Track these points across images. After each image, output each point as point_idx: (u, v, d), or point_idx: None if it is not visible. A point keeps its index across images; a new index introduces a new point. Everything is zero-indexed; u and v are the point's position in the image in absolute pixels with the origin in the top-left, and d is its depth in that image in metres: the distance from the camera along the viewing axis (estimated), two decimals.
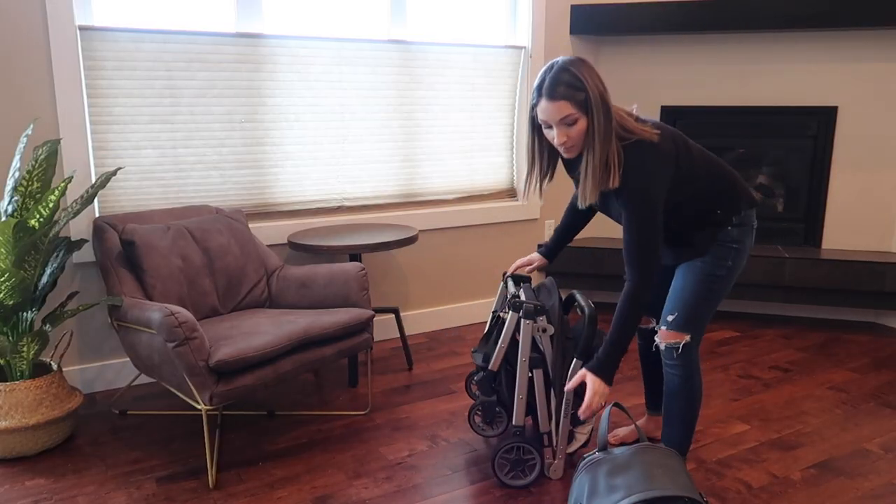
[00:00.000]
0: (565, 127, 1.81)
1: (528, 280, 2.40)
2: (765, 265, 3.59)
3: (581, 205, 1.91)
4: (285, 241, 3.06)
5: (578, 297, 2.20)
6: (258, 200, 3.10)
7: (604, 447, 1.79)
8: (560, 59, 1.83)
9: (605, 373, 1.92)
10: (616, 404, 1.89)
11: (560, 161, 2.04)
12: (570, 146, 1.85)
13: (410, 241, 2.90)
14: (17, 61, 2.52)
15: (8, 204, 2.29)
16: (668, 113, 3.86)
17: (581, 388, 2.02)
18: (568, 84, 1.78)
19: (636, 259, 1.86)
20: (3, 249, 2.14)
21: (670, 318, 2.02)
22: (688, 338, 2.01)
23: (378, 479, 2.19)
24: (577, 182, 1.99)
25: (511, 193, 3.81)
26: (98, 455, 2.34)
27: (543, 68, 1.84)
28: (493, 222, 3.71)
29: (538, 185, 2.01)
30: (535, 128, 1.93)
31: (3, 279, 2.16)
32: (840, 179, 3.71)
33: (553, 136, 1.85)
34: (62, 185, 2.20)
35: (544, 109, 1.81)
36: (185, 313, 2.08)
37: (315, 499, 2.08)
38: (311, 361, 2.34)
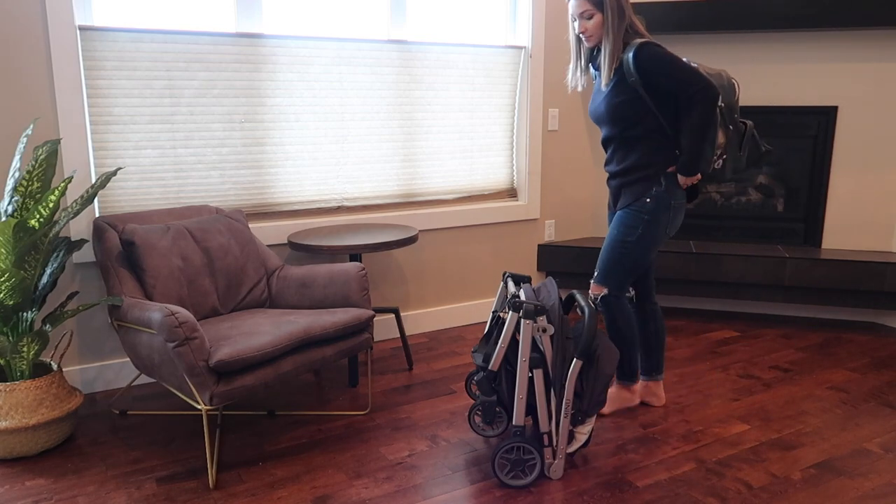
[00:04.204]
0: (584, 20, 2.33)
1: (528, 280, 2.41)
2: (765, 265, 3.59)
3: (603, 86, 2.37)
4: (285, 241, 3.06)
5: (578, 297, 2.20)
6: (258, 200, 3.10)
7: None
8: None
9: (687, 170, 2.35)
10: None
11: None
12: (588, 35, 2.35)
13: (410, 241, 2.90)
14: (17, 61, 2.52)
15: (8, 204, 2.29)
16: None
17: (581, 387, 2.03)
18: None
19: (694, 80, 2.25)
20: (3, 249, 2.14)
21: (595, 273, 2.49)
22: (605, 291, 2.46)
23: (378, 479, 2.19)
24: (597, 71, 2.44)
25: (511, 193, 3.81)
26: (98, 455, 2.34)
27: None
28: (493, 222, 3.71)
29: (580, 75, 2.48)
30: (573, 21, 2.38)
31: (3, 279, 2.16)
32: (840, 179, 3.71)
33: (576, 26, 2.37)
34: (62, 185, 2.20)
35: (571, 4, 2.35)
36: (185, 313, 2.08)
37: (315, 499, 2.08)
38: (312, 361, 2.34)
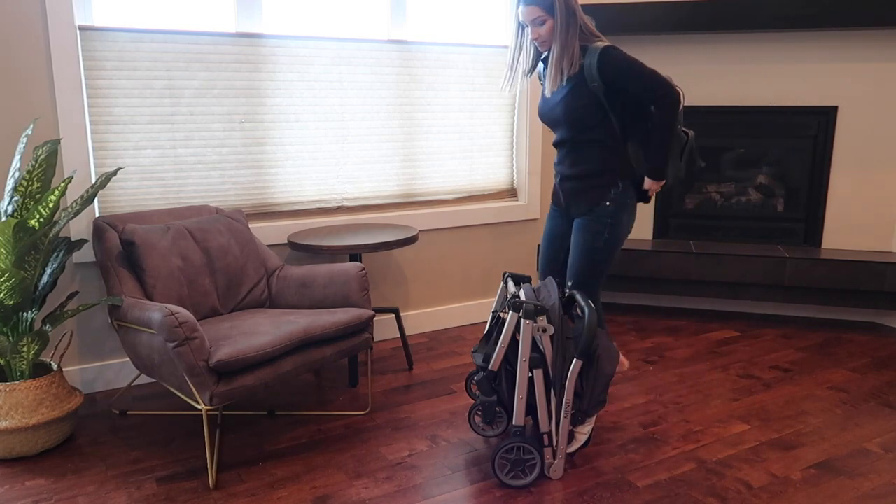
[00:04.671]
0: (536, 26, 2.31)
1: (528, 280, 2.41)
2: (765, 265, 3.59)
3: (547, 93, 2.40)
4: (285, 241, 3.06)
5: (578, 297, 2.20)
6: (258, 200, 3.10)
7: None
8: None
9: (655, 174, 2.39)
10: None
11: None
12: (542, 41, 2.33)
13: (410, 241, 2.90)
14: (17, 61, 2.52)
15: (8, 204, 2.29)
16: None
17: (581, 387, 2.03)
18: None
19: (658, 83, 2.27)
20: (3, 249, 2.14)
21: (570, 283, 2.50)
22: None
23: (378, 479, 2.19)
24: (545, 78, 2.42)
25: (511, 193, 3.81)
26: (98, 455, 2.34)
27: None
28: (493, 222, 3.71)
29: (513, 80, 2.46)
30: (519, 28, 2.39)
31: (3, 279, 2.16)
32: (840, 179, 3.71)
33: (528, 32, 2.36)
34: (62, 185, 2.20)
35: (522, 12, 2.32)
36: (185, 313, 2.08)
37: (315, 499, 2.08)
38: (312, 361, 2.34)
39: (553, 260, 2.62)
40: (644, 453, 2.35)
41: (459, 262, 3.66)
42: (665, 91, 2.26)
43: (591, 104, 2.32)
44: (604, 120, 2.35)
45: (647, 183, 2.41)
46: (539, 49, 2.38)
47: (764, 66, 3.70)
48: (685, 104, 3.66)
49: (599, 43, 2.29)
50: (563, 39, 2.27)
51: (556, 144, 2.50)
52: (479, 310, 3.77)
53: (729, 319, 3.81)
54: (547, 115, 2.46)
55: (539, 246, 2.64)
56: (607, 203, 2.40)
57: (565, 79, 2.31)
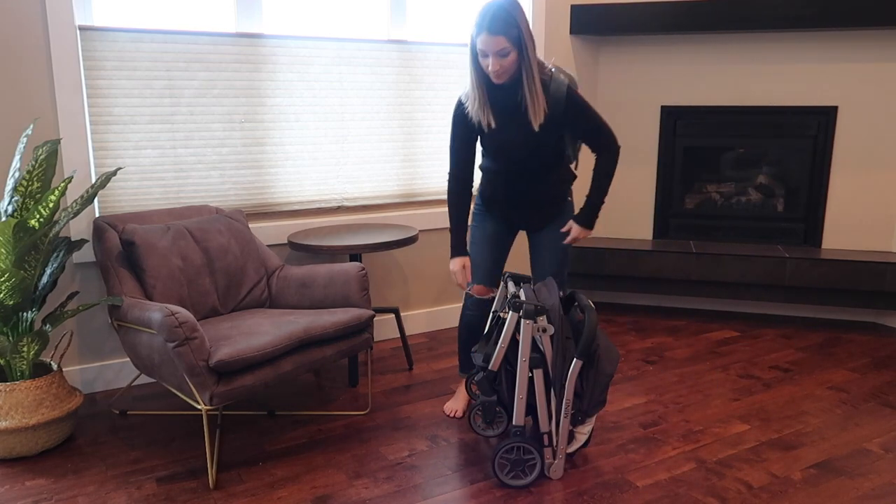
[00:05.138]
0: (499, 58, 2.15)
1: (528, 280, 2.40)
2: (765, 265, 3.59)
3: (535, 126, 2.25)
4: (285, 241, 3.06)
5: (579, 297, 2.20)
6: (258, 200, 3.10)
7: None
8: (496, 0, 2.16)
9: (592, 222, 2.44)
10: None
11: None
12: (500, 73, 2.18)
13: (410, 241, 2.90)
14: (17, 61, 2.52)
15: (8, 204, 2.29)
16: (668, 113, 3.86)
17: (581, 387, 2.03)
18: (506, 22, 2.12)
19: (609, 132, 2.34)
20: (3, 249, 2.14)
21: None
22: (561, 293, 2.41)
23: (378, 479, 2.19)
24: (495, 113, 2.31)
25: None
26: (98, 455, 2.34)
27: (484, 7, 2.16)
28: None
29: (486, 114, 2.29)
30: (475, 57, 2.23)
31: (3, 279, 2.16)
32: (840, 179, 3.71)
33: (488, 63, 2.17)
34: (62, 185, 2.20)
35: (484, 41, 2.14)
36: (185, 313, 2.08)
37: (315, 499, 2.08)
38: (312, 361, 2.34)
39: (495, 262, 2.55)
40: (644, 453, 2.35)
41: None
42: (613, 136, 2.35)
43: (559, 136, 2.35)
44: (562, 148, 2.40)
45: (576, 231, 2.43)
46: (494, 81, 2.22)
47: (764, 66, 3.70)
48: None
49: (562, 78, 2.28)
50: (533, 71, 2.18)
51: (510, 167, 2.39)
52: None
53: (729, 319, 3.81)
54: (511, 144, 2.34)
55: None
56: (569, 198, 2.53)
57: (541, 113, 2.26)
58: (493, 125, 2.31)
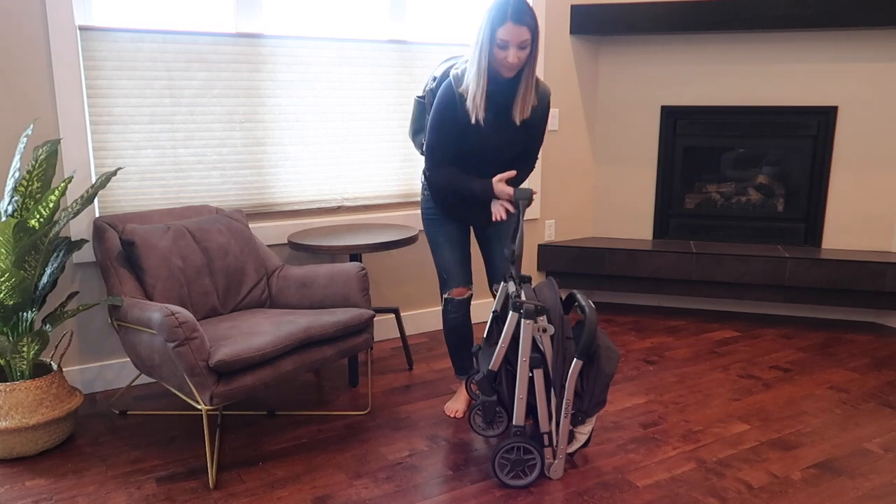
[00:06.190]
0: (520, 50, 2.11)
1: (528, 280, 2.40)
2: (765, 265, 3.59)
3: (517, 120, 2.24)
4: (285, 241, 3.06)
5: (578, 297, 2.20)
6: (258, 200, 3.10)
7: None
8: None
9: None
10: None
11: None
12: (516, 66, 2.14)
13: (410, 241, 2.90)
14: (17, 61, 2.52)
15: (8, 204, 2.29)
16: (668, 113, 3.86)
17: (581, 387, 2.03)
18: (530, 14, 2.11)
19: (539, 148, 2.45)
20: (3, 249, 2.14)
21: (518, 270, 2.36)
22: None
23: (378, 479, 2.19)
24: (490, 105, 2.23)
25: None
26: (98, 455, 2.34)
27: None
28: None
29: (483, 106, 2.21)
30: (492, 46, 2.12)
31: (3, 279, 2.16)
32: (840, 179, 3.71)
33: (506, 55, 2.11)
34: (62, 185, 2.20)
35: (509, 31, 2.08)
36: (185, 313, 2.08)
37: (315, 499, 2.08)
38: (312, 361, 2.34)
39: (465, 262, 2.56)
40: (644, 453, 2.35)
41: None
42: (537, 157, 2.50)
43: (529, 134, 2.38)
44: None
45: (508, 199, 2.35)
46: (507, 75, 2.17)
47: (764, 65, 3.70)
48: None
49: (540, 80, 2.32)
50: (533, 70, 2.20)
51: (471, 170, 2.35)
52: (480, 310, 3.76)
53: (729, 319, 3.81)
54: (496, 149, 2.32)
55: (515, 247, 2.46)
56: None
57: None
58: (481, 121, 2.23)
